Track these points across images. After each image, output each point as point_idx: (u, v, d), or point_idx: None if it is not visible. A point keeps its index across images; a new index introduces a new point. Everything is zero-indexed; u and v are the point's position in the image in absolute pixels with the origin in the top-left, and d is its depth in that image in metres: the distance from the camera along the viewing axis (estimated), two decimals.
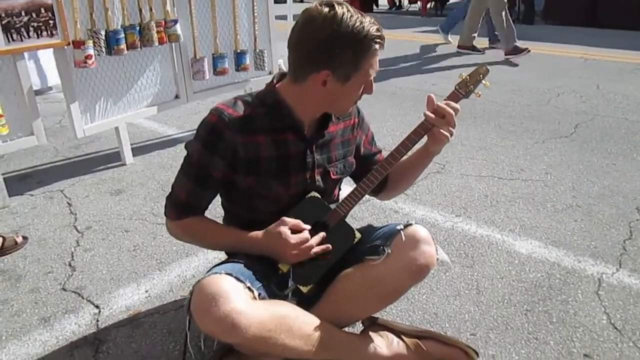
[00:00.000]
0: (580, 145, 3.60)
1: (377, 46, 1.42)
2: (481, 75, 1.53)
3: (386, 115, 4.31)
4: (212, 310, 1.29)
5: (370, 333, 1.63)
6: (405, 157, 1.58)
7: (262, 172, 1.52)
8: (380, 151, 1.81)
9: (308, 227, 1.53)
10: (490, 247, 2.37)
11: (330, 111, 1.56)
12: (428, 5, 12.41)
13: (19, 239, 2.44)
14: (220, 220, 1.70)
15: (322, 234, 1.53)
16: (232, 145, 1.47)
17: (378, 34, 1.41)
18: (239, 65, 3.58)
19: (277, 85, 1.53)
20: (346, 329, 1.66)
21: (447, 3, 13.06)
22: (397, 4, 14.41)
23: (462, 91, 1.54)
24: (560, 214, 2.66)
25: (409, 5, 14.25)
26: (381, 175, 1.57)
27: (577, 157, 3.38)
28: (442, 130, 1.51)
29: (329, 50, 1.39)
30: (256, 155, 1.50)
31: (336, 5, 1.39)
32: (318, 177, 1.60)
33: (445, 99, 1.54)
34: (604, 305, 1.95)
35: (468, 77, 1.54)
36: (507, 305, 1.97)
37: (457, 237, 2.45)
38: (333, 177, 1.64)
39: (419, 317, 1.92)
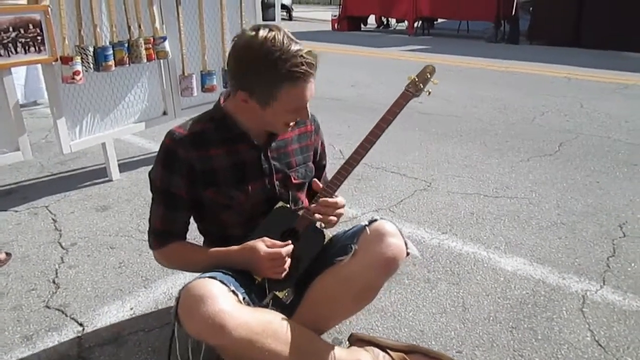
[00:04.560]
0: (564, 164, 3.65)
1: (296, 81, 1.39)
2: (429, 74, 1.63)
3: None
4: (200, 311, 1.30)
5: (356, 348, 1.64)
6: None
7: (221, 183, 1.56)
8: (324, 166, 1.86)
9: (286, 246, 1.52)
10: (476, 264, 2.38)
11: (265, 129, 1.59)
12: (415, 25, 12.58)
13: (2, 256, 2.41)
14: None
15: (291, 246, 1.54)
16: (187, 161, 1.52)
17: (301, 68, 1.37)
18: (227, 82, 3.60)
19: (223, 103, 1.59)
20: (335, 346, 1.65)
21: (435, 23, 13.27)
22: (385, 23, 14.61)
23: (412, 90, 1.62)
24: (544, 231, 2.69)
25: (396, 24, 14.47)
26: (347, 172, 1.57)
27: (562, 175, 3.43)
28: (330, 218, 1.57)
29: (242, 73, 1.44)
30: (211, 167, 1.55)
31: (262, 30, 1.38)
32: (277, 183, 1.63)
33: (397, 99, 1.61)
34: (588, 322, 1.97)
35: (416, 78, 1.63)
36: (492, 322, 1.98)
37: (443, 255, 2.47)
38: (295, 181, 1.67)
39: (405, 334, 1.92)
